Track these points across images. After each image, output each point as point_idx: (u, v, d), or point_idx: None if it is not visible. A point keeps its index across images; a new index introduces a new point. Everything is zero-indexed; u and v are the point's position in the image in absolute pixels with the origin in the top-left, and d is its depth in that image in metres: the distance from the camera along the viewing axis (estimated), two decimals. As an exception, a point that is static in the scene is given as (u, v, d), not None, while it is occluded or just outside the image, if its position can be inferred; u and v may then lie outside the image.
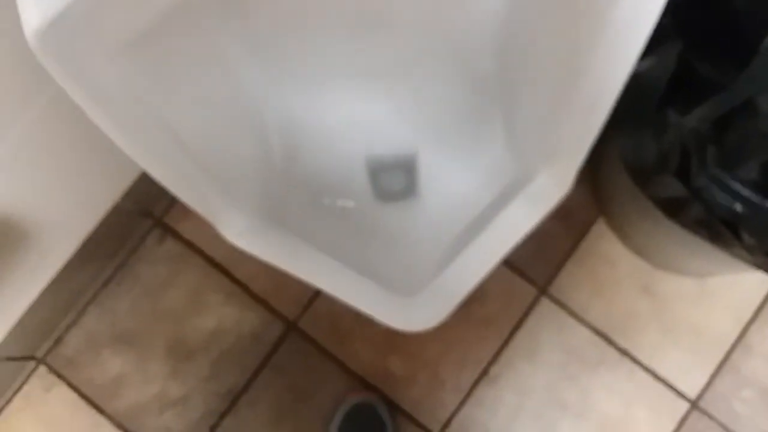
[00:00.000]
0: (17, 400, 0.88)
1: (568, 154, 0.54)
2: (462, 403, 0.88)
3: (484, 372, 0.88)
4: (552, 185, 0.59)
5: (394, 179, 0.67)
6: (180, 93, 0.48)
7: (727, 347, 0.89)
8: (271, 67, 0.60)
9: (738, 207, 0.48)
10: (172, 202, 0.92)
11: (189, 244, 0.91)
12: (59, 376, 0.88)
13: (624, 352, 0.89)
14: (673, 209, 0.54)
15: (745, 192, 0.47)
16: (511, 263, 0.91)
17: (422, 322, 0.59)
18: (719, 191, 0.48)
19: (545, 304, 0.90)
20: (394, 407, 0.87)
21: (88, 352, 0.89)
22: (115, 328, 0.89)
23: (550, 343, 0.89)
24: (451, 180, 0.66)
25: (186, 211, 0.90)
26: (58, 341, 0.89)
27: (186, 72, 0.49)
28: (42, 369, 0.88)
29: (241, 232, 0.60)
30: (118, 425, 0.87)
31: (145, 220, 0.91)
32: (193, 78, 0.51)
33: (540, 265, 0.91)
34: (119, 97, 0.39)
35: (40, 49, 0.32)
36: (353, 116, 0.66)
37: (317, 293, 0.90)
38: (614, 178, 0.80)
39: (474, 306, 0.89)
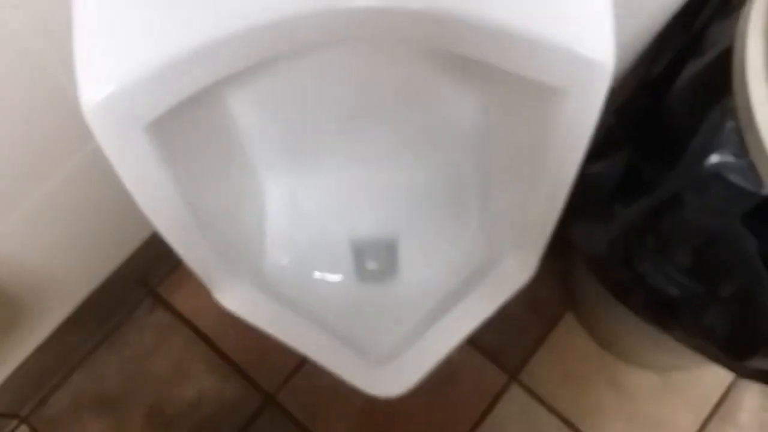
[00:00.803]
0: (-5, 459, 0.89)
1: (532, 241, 0.61)
2: (431, 484, 0.90)
3: (454, 454, 0.91)
4: (518, 269, 0.65)
5: (376, 259, 0.74)
6: (194, 167, 0.55)
7: (687, 442, 0.92)
8: (273, 149, 0.68)
9: (674, 291, 0.54)
10: (166, 273, 0.97)
11: (178, 315, 0.96)
12: (39, 436, 0.90)
13: (590, 443, 0.92)
14: (622, 294, 0.61)
15: (679, 277, 0.53)
16: (484, 349, 0.95)
17: (390, 390, 0.63)
18: (658, 275, 0.54)
19: (515, 390, 0.94)
20: (365, 485, 0.89)
21: (71, 415, 0.91)
22: (99, 391, 0.92)
23: (518, 429, 0.92)
24: (428, 260, 0.72)
25: (177, 284, 0.97)
26: (43, 401, 0.91)
27: (201, 148, 0.57)
28: (24, 428, 0.90)
29: (232, 296, 0.65)
30: (92, 490, 0.88)
31: (139, 288, 0.96)
32: (208, 153, 0.58)
33: (512, 353, 0.96)
34: (148, 165, 0.45)
35: (95, 121, 0.39)
36: (342, 198, 0.73)
37: (297, 368, 0.93)
38: (580, 274, 0.87)
39: (447, 389, 0.93)
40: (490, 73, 0.57)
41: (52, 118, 0.61)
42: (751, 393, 0.93)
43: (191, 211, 0.53)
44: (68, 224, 0.76)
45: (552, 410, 0.94)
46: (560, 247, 0.60)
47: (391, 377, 0.63)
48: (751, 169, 0.44)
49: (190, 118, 0.50)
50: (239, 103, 0.61)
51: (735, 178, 0.45)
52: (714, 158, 0.45)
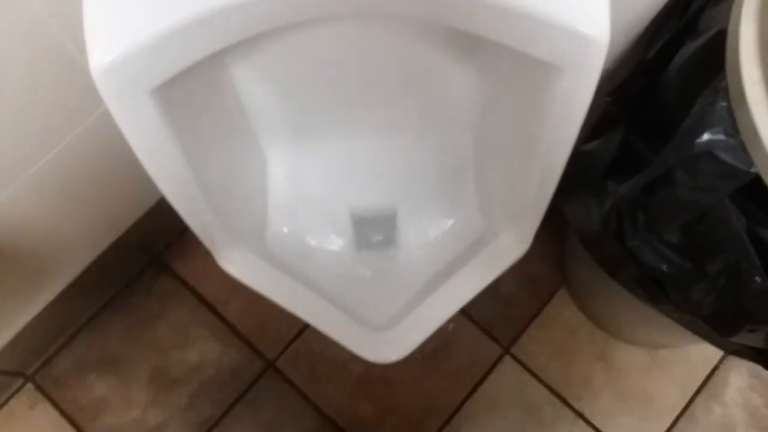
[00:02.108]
0: (1, 415, 0.92)
1: (528, 215, 0.63)
2: (424, 450, 0.93)
3: (447, 422, 0.94)
4: (513, 243, 0.67)
5: (375, 230, 0.75)
6: (202, 135, 0.57)
7: (673, 417, 0.95)
8: (274, 120, 0.69)
9: (664, 266, 0.56)
10: (171, 241, 0.99)
11: (182, 281, 0.98)
12: (45, 394, 0.93)
13: (579, 414, 0.95)
14: (613, 268, 0.63)
15: (669, 253, 0.55)
16: (479, 323, 0.98)
17: (388, 356, 0.65)
18: (649, 251, 0.56)
19: (508, 362, 0.97)
20: (359, 450, 0.92)
21: (76, 374, 0.93)
22: (103, 353, 0.95)
23: (510, 399, 0.95)
24: (426, 233, 0.74)
25: (182, 251, 0.99)
26: (48, 361, 0.94)
27: (206, 116, 0.58)
28: (29, 386, 0.93)
29: (235, 261, 0.67)
30: (96, 447, 0.91)
31: (144, 255, 0.98)
32: (213, 121, 0.60)
33: (505, 327, 0.98)
34: (156, 131, 0.47)
35: (103, 84, 0.41)
36: (343, 170, 0.74)
37: (297, 335, 0.96)
38: (574, 250, 0.89)
39: (442, 359, 0.96)
40: (488, 50, 0.58)
41: (59, 85, 0.62)
42: (737, 371, 0.96)
43: (196, 176, 0.55)
44: (75, 190, 0.77)
45: (542, 383, 0.96)
46: (554, 225, 0.61)
47: (389, 344, 0.66)
48: (741, 148, 0.46)
49: (195, 86, 0.51)
50: (243, 75, 0.62)
51: (725, 156, 0.46)
52: (705, 136, 0.47)
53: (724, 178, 0.47)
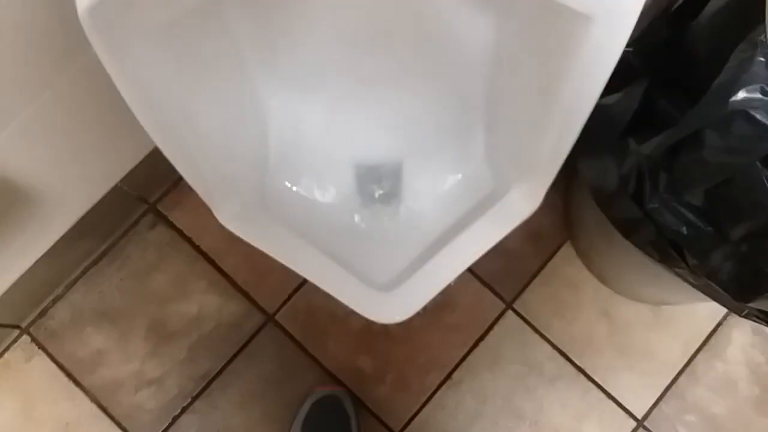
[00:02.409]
0: (-3, 367, 0.91)
1: (540, 173, 0.60)
2: (424, 404, 0.92)
3: (448, 377, 0.93)
4: (523, 200, 0.64)
5: (380, 184, 0.73)
6: (198, 82, 0.53)
7: (674, 373, 0.94)
8: (276, 70, 0.66)
9: (684, 230, 0.54)
10: (166, 190, 0.96)
11: (179, 232, 0.96)
12: (41, 346, 0.91)
13: (580, 370, 0.94)
14: (629, 230, 0.60)
15: (690, 216, 0.53)
16: (482, 278, 0.96)
17: (391, 316, 0.64)
18: (668, 214, 0.54)
19: (510, 317, 0.96)
20: (360, 403, 0.92)
21: (72, 326, 0.92)
22: (100, 305, 0.93)
23: (512, 354, 0.94)
24: (433, 189, 0.71)
25: (179, 200, 0.96)
26: (44, 313, 0.92)
27: (205, 64, 0.55)
28: (25, 338, 0.91)
29: (233, 216, 0.64)
30: (93, 399, 0.91)
31: (139, 204, 0.95)
32: (210, 70, 0.56)
33: (508, 282, 0.97)
34: (148, 78, 0.44)
35: (89, 24, 0.38)
36: (346, 122, 0.71)
37: (297, 288, 0.94)
38: (582, 205, 0.87)
39: (444, 314, 0.95)
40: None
41: (46, 27, 0.58)
42: (740, 329, 0.95)
43: (190, 128, 0.52)
44: (66, 137, 0.74)
45: (544, 338, 0.95)
46: (562, 178, 0.59)
47: (393, 304, 0.64)
48: (778, 109, 0.43)
49: (190, 31, 0.48)
50: (242, 21, 0.58)
51: (762, 117, 0.43)
52: (741, 95, 0.44)
53: (758, 140, 0.44)
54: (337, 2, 0.59)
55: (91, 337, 0.93)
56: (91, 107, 0.72)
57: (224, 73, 0.61)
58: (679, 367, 0.95)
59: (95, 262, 0.94)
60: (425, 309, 0.69)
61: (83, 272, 0.94)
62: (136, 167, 0.86)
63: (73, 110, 0.70)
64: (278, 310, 0.94)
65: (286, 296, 0.94)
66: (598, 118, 0.57)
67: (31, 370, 0.91)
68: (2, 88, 0.60)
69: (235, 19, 0.58)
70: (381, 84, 0.69)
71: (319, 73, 0.68)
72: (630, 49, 0.59)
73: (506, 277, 0.97)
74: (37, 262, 0.84)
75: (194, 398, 0.92)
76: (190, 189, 0.59)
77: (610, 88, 0.58)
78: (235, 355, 0.93)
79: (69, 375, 0.91)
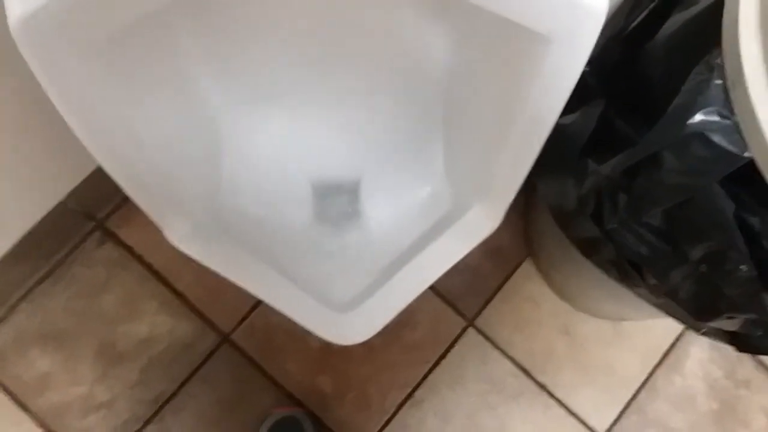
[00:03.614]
0: (-65, 393, 0.86)
1: (500, 191, 0.59)
2: (386, 423, 0.91)
3: (410, 395, 0.92)
4: (483, 218, 0.64)
5: (338, 202, 0.71)
6: (142, 98, 0.51)
7: (635, 388, 0.95)
8: (228, 85, 0.63)
9: (643, 250, 0.53)
10: (115, 207, 0.93)
11: (129, 250, 0.92)
12: (-18, 371, 0.87)
13: (542, 387, 0.94)
14: (588, 249, 0.60)
15: (649, 236, 0.52)
16: (443, 295, 0.95)
17: (352, 337, 0.62)
18: (628, 234, 0.53)
19: (472, 335, 0.95)
20: (320, 424, 0.89)
21: (17, 349, 0.88)
22: (45, 326, 0.89)
23: (473, 372, 0.93)
24: (392, 206, 0.70)
25: (128, 217, 0.92)
26: (-15, 336, 0.88)
27: (149, 79, 0.52)
28: (-35, 363, 0.87)
29: (184, 236, 0.61)
30: (41, 424, 0.87)
31: (87, 222, 0.92)
32: (155, 86, 0.54)
33: (469, 299, 0.96)
34: (87, 94, 0.41)
35: (21, 38, 0.35)
36: (303, 139, 0.69)
37: (253, 307, 0.92)
38: (542, 223, 0.86)
39: (405, 332, 0.93)
40: (467, 15, 0.53)
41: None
42: (698, 344, 0.96)
43: (135, 147, 0.50)
44: (5, 152, 0.70)
45: (506, 355, 0.95)
46: (521, 195, 0.58)
47: (353, 325, 0.62)
48: (736, 131, 0.43)
49: (133, 45, 0.45)
50: (192, 34, 0.56)
51: (719, 139, 0.43)
52: (698, 117, 0.43)
53: (715, 162, 0.44)
54: (291, 18, 0.57)
55: (37, 359, 0.88)
56: (31, 121, 0.68)
57: (171, 89, 0.58)
58: (639, 382, 0.95)
59: (40, 282, 0.90)
60: (385, 327, 0.67)
61: (27, 293, 0.89)
62: (82, 183, 0.82)
63: (10, 125, 0.67)
64: (234, 329, 0.91)
65: (242, 315, 0.92)
66: (556, 137, 0.57)
67: (-27, 395, 0.86)
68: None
69: (184, 34, 0.56)
70: (338, 100, 0.67)
71: (273, 89, 0.66)
72: (587, 68, 0.59)
73: (467, 295, 0.96)
74: (-24, 283, 0.80)
75: (146, 422, 0.88)
76: (140, 205, 0.56)
77: (567, 108, 0.57)
78: (188, 377, 0.89)
79: (14, 398, 0.87)
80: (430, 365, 0.93)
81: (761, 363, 0.95)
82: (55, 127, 0.65)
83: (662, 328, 0.96)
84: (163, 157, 0.56)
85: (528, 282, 0.97)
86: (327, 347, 0.91)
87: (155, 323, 0.90)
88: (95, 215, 0.92)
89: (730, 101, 0.43)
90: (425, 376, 0.93)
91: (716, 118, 0.43)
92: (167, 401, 0.89)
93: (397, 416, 0.91)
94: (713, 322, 0.55)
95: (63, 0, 0.35)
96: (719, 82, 0.44)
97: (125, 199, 0.91)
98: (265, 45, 0.60)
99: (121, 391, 0.88)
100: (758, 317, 0.50)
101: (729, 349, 0.64)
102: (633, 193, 0.51)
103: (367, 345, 0.91)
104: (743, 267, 0.46)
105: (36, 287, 0.90)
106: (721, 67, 0.44)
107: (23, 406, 0.87)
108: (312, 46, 0.60)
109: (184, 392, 0.89)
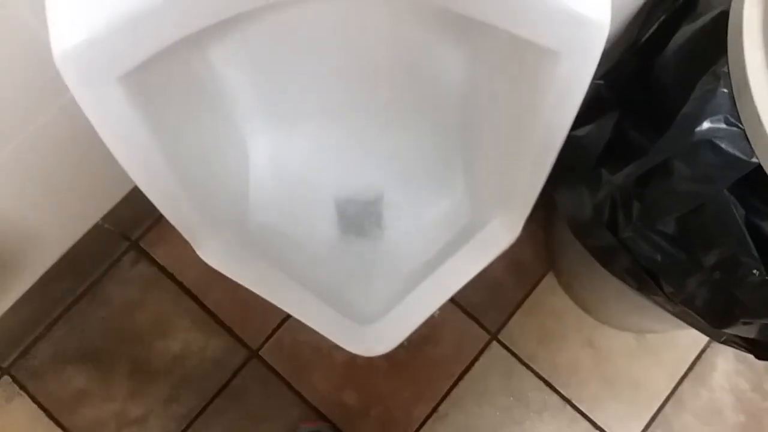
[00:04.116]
0: (-24, 408, 0.89)
1: (518, 203, 0.61)
2: (411, 438, 0.92)
3: (434, 410, 0.93)
4: (503, 230, 0.65)
5: (360, 215, 0.73)
6: (177, 120, 0.54)
7: (660, 402, 0.94)
8: (257, 104, 0.67)
9: (658, 257, 0.54)
10: (149, 226, 0.96)
11: (162, 269, 0.95)
12: (22, 387, 0.90)
13: (567, 400, 0.94)
14: (605, 258, 0.61)
15: (664, 244, 0.53)
16: (466, 309, 0.96)
17: (375, 348, 0.64)
18: (642, 242, 0.55)
19: (495, 348, 0.95)
20: (345, 438, 0.91)
21: (54, 366, 0.91)
22: (82, 344, 0.92)
23: (498, 386, 0.94)
24: (413, 221, 0.72)
25: (161, 237, 0.96)
26: (25, 353, 0.91)
27: (184, 102, 0.55)
28: (6, 379, 0.90)
29: (215, 252, 0.64)
30: (75, 440, 0.89)
31: (122, 242, 0.95)
32: (188, 108, 0.57)
33: (493, 313, 0.97)
34: (125, 118, 0.44)
35: (65, 67, 0.38)
36: (327, 155, 0.72)
37: (281, 323, 0.94)
38: (563, 236, 0.87)
39: (428, 346, 0.94)
40: (481, 32, 0.56)
41: (26, 68, 0.58)
42: (724, 356, 0.95)
43: (171, 166, 0.52)
44: (47, 176, 0.74)
45: (530, 369, 0.95)
46: (541, 208, 0.60)
47: (376, 336, 0.64)
48: (743, 137, 0.44)
49: (169, 70, 0.48)
50: (222, 57, 0.59)
51: (726, 146, 0.44)
52: (705, 125, 0.45)
53: (724, 169, 0.45)
54: (319, 40, 0.60)
55: (73, 376, 0.91)
56: (71, 146, 0.72)
57: (205, 109, 0.61)
58: (665, 396, 0.95)
59: (77, 301, 0.93)
60: (409, 341, 0.69)
61: (65, 311, 0.93)
62: (118, 204, 0.86)
63: (51, 150, 0.70)
64: (262, 345, 0.93)
65: (270, 331, 0.94)
66: (572, 149, 0.58)
67: (13, 411, 0.90)
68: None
69: (215, 57, 0.59)
70: (361, 117, 0.70)
71: (300, 108, 0.69)
72: (601, 82, 0.61)
73: (490, 309, 0.97)
74: (17, 301, 0.83)
75: (177, 437, 0.91)
76: (172, 225, 0.59)
77: (582, 120, 0.60)
78: (218, 393, 0.92)
79: (50, 415, 0.90)
80: (454, 379, 0.94)
81: (788, 374, 0.95)
82: (92, 151, 0.69)
83: (687, 340, 0.96)
84: (196, 177, 0.59)
85: (551, 295, 0.98)
86: (352, 362, 0.93)
87: (187, 340, 0.93)
88: (130, 236, 0.95)
89: (737, 109, 0.45)
90: (449, 391, 0.93)
91: (723, 126, 0.45)
92: (197, 416, 0.91)
93: (422, 431, 0.92)
94: (731, 328, 0.55)
95: (102, 33, 0.38)
96: (726, 90, 0.46)
97: (158, 220, 0.95)
98: (293, 66, 0.62)
99: (153, 407, 0.91)
100: (774, 321, 0.50)
101: (755, 362, 0.64)
102: (646, 202, 0.52)
103: (392, 360, 0.93)
104: (755, 272, 0.47)
105: (73, 306, 0.93)
106: (727, 75, 0.46)
107: (58, 423, 0.90)
108: (336, 66, 0.63)
109: (213, 408, 0.91)
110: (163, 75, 0.49)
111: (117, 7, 0.38)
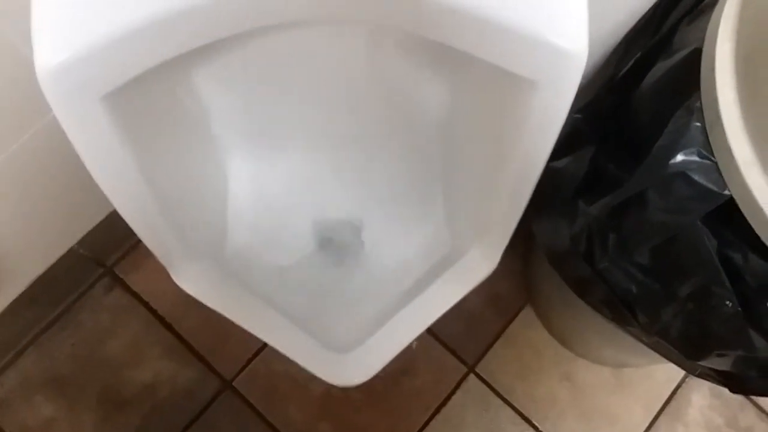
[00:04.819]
0: (-62, 439, 0.86)
1: (496, 233, 0.62)
2: (386, 472, 0.90)
3: (410, 443, 0.91)
4: (481, 260, 0.65)
5: (340, 242, 0.73)
6: (157, 144, 0.54)
7: (638, 436, 0.94)
8: (237, 129, 0.67)
9: (633, 288, 0.55)
10: (124, 253, 0.95)
11: (135, 296, 0.94)
12: (-14, 416, 0.87)
13: (544, 435, 0.94)
14: (582, 289, 0.61)
15: (639, 275, 0.54)
16: (444, 341, 0.96)
17: (351, 378, 0.63)
18: (618, 273, 0.55)
19: (473, 381, 0.95)
20: (319, 472, 0.89)
21: (22, 394, 0.88)
22: (51, 372, 0.90)
23: (474, 419, 0.93)
24: (392, 248, 0.72)
25: (136, 264, 0.94)
26: (-9, 381, 0.89)
27: (165, 125, 0.55)
28: (-31, 407, 0.87)
29: (191, 278, 0.63)
30: (41, 471, 0.86)
31: (96, 268, 0.94)
32: (169, 131, 0.57)
33: (470, 345, 0.97)
34: (105, 138, 0.44)
35: (47, 85, 0.38)
36: (307, 181, 0.72)
37: (256, 353, 0.93)
38: (541, 267, 0.88)
39: (405, 378, 0.94)
40: (460, 62, 0.57)
41: (4, 86, 0.58)
42: (699, 391, 0.96)
43: (150, 189, 0.52)
44: (21, 199, 0.73)
45: (507, 402, 0.95)
46: (519, 240, 0.60)
47: (352, 366, 0.63)
48: (715, 170, 0.45)
49: (151, 92, 0.49)
50: (205, 81, 0.59)
51: (699, 178, 0.45)
52: (679, 157, 0.46)
53: (697, 200, 0.46)
54: (301, 66, 0.61)
55: (42, 405, 0.89)
56: (48, 169, 0.71)
57: (186, 132, 0.61)
58: (642, 431, 0.94)
59: (47, 328, 0.91)
60: (385, 372, 0.68)
61: (34, 338, 0.91)
62: (94, 229, 0.85)
63: (29, 171, 0.70)
64: (236, 376, 0.92)
65: (245, 361, 0.92)
66: (550, 180, 0.59)
67: (-25, 441, 0.87)
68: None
69: (201, 81, 0.59)
70: (339, 144, 0.70)
71: (281, 134, 0.70)
72: (579, 115, 0.62)
73: (468, 341, 0.96)
74: (-15, 327, 0.81)
75: (146, 470, 0.88)
76: (149, 252, 0.58)
77: (561, 152, 0.61)
78: (190, 425, 0.90)
79: (15, 446, 0.87)
80: (430, 412, 0.93)
81: (762, 410, 0.95)
82: (69, 175, 0.68)
83: (663, 375, 0.96)
84: (175, 201, 0.59)
85: (528, 328, 0.98)
86: (328, 394, 0.92)
87: (159, 369, 0.91)
88: (104, 261, 0.94)
89: (709, 142, 0.46)
90: (426, 424, 0.92)
91: (696, 158, 0.46)
92: (168, 448, 0.89)
93: (399, 464, 0.91)
94: (705, 360, 0.56)
95: (86, 53, 0.38)
96: (699, 124, 0.47)
97: (134, 246, 0.93)
98: (274, 92, 0.63)
99: (122, 437, 0.89)
100: (746, 354, 0.51)
101: (730, 397, 0.64)
102: (621, 233, 0.53)
103: (368, 391, 0.92)
104: (728, 303, 0.48)
105: (43, 333, 0.91)
106: (700, 110, 0.47)
107: (25, 453, 0.87)
108: (317, 92, 0.63)
109: (185, 439, 0.89)
110: (146, 97, 0.49)
111: (102, 28, 0.38)
